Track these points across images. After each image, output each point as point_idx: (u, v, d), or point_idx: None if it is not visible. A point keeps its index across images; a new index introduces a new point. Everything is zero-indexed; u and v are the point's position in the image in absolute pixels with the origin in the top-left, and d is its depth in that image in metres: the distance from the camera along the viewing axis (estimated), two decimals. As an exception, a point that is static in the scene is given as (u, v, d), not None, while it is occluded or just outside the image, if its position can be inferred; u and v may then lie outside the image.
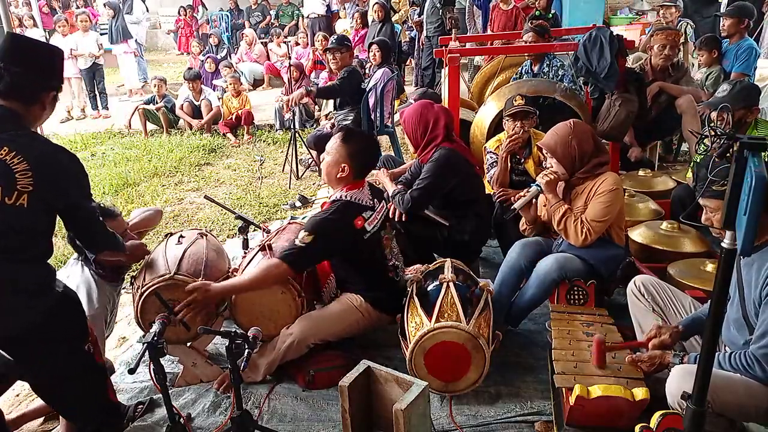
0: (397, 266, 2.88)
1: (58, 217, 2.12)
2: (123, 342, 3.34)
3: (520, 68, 4.85)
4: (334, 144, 2.75)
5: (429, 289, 2.63)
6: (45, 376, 2.20)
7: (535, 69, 4.68)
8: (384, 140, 6.38)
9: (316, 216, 2.70)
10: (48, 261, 2.13)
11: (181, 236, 2.85)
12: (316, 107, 7.96)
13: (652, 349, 2.24)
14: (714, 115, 3.30)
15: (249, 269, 2.70)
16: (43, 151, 2.03)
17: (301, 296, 2.70)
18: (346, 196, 2.70)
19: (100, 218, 2.26)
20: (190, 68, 9.11)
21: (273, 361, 2.69)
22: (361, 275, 2.79)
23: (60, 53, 2.20)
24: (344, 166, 2.69)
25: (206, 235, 2.94)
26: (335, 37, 5.92)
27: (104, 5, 10.01)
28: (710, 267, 2.86)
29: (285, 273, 2.59)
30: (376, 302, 2.76)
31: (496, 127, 4.16)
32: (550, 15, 7.10)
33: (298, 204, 5.15)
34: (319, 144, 5.42)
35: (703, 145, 1.70)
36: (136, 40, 10.32)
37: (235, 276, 2.73)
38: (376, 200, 2.78)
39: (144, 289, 2.52)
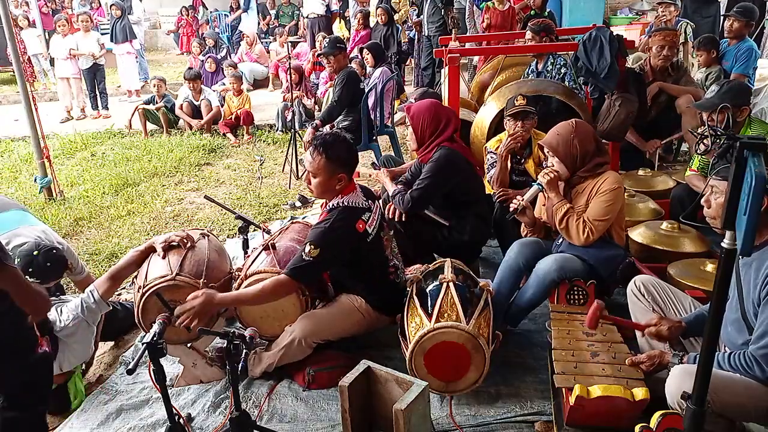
0: (397, 266, 2.86)
1: None
2: (123, 342, 3.33)
3: (527, 68, 4.84)
4: (317, 162, 2.56)
5: (429, 289, 2.62)
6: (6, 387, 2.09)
7: (540, 67, 4.68)
8: (384, 140, 6.38)
9: (318, 227, 2.60)
10: None
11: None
12: (316, 107, 7.96)
13: (648, 336, 2.25)
14: (705, 115, 3.29)
15: (258, 284, 2.58)
16: None
17: (305, 295, 2.71)
18: (343, 202, 2.63)
19: None
20: (190, 68, 9.11)
21: (273, 359, 2.70)
22: (361, 281, 2.75)
23: None
24: (341, 176, 2.60)
25: (208, 236, 2.93)
26: (327, 40, 5.91)
27: (111, 6, 9.98)
28: (710, 267, 2.86)
29: (294, 287, 2.59)
30: (377, 304, 2.76)
31: (496, 127, 4.15)
32: (546, 14, 7.08)
33: (298, 204, 5.16)
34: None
35: (702, 145, 1.70)
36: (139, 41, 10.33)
37: (238, 275, 2.74)
38: (370, 201, 2.71)
39: (145, 289, 2.51)
